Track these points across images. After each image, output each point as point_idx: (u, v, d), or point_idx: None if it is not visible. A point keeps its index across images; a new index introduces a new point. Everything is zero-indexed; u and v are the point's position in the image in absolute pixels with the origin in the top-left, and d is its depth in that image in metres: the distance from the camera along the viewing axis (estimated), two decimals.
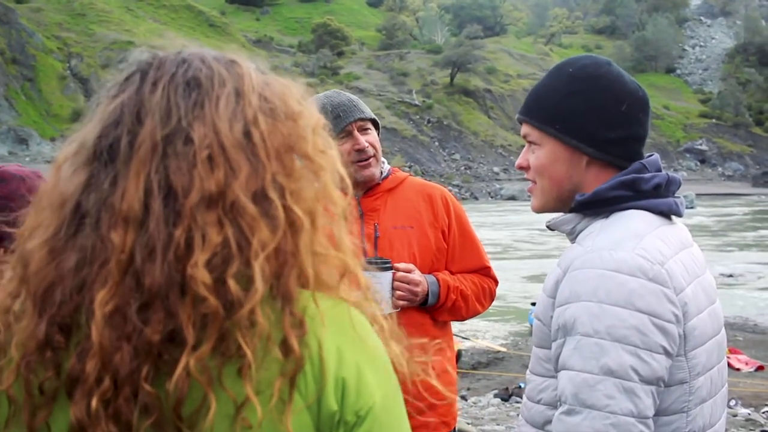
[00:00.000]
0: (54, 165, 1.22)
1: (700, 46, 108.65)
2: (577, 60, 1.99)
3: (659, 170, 1.94)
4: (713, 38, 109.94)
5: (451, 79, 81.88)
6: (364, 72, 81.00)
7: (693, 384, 1.80)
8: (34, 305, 1.12)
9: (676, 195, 1.96)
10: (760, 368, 10.97)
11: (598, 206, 1.89)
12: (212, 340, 1.07)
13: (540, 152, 1.96)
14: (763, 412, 8.49)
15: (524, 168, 2.01)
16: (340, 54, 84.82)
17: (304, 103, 1.24)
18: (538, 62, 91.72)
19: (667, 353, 1.73)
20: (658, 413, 1.77)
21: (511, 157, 68.27)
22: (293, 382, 1.10)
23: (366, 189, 3.04)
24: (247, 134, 1.15)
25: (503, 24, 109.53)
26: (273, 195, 1.13)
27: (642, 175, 1.89)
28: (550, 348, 1.86)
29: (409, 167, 63.69)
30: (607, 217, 1.88)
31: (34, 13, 71.70)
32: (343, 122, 2.94)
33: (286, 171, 1.16)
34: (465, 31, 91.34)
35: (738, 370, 10.70)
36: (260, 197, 1.12)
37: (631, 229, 1.82)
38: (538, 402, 1.92)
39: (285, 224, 1.13)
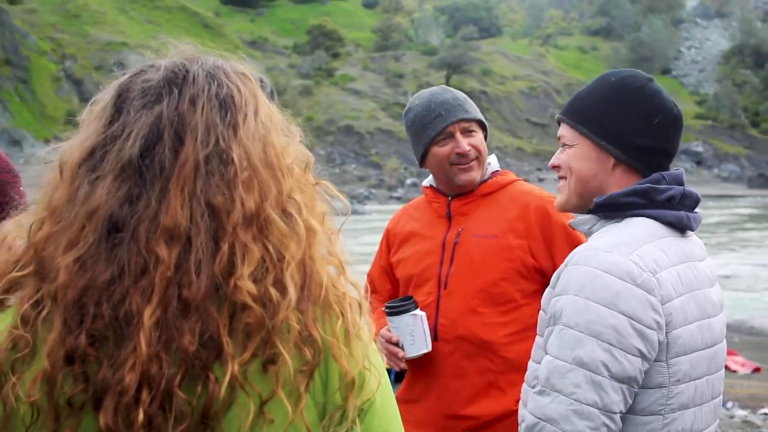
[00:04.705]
0: (61, 169, 1.20)
1: (696, 47, 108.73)
2: (621, 71, 2.12)
3: (681, 184, 2.04)
4: (709, 40, 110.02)
5: (447, 81, 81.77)
6: (360, 73, 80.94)
7: (672, 389, 1.90)
8: (63, 317, 1.12)
9: (695, 210, 2.06)
10: (756, 370, 10.85)
11: (611, 210, 2.01)
12: (254, 346, 1.14)
13: (571, 151, 2.08)
14: (760, 414, 8.38)
15: (556, 167, 2.13)
16: (336, 55, 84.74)
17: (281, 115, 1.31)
18: (534, 64, 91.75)
19: (643, 356, 1.84)
20: (635, 412, 1.89)
21: (507, 159, 68.20)
22: (311, 376, 1.18)
23: (460, 192, 2.86)
24: (266, 152, 1.21)
25: (499, 25, 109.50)
26: (292, 210, 1.21)
27: (657, 186, 2.00)
28: None
29: (405, 169, 63.64)
30: (619, 221, 2.00)
31: (27, 14, 71.51)
32: (444, 122, 2.78)
33: (299, 186, 1.24)
34: (460, 32, 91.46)
35: (734, 372, 10.58)
36: (284, 213, 1.20)
37: (632, 235, 1.93)
38: (533, 387, 1.99)
39: (305, 236, 1.21)
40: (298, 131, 1.32)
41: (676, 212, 2.00)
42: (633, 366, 1.83)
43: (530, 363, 2.08)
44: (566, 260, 1.97)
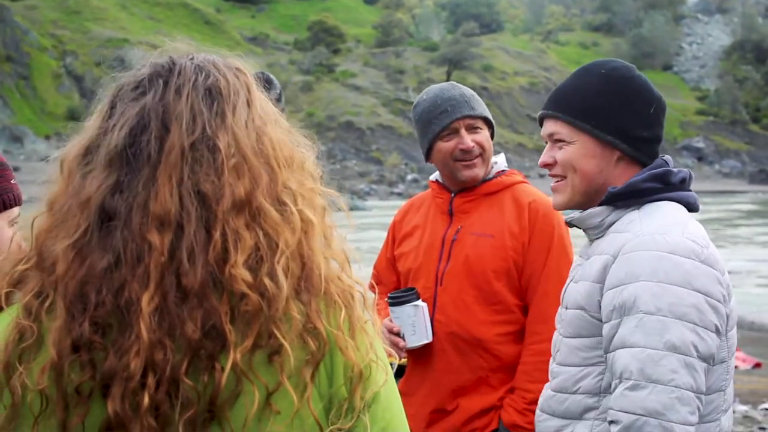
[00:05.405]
0: (61, 165, 1.24)
1: (697, 43, 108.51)
2: (607, 62, 2.09)
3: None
4: (710, 35, 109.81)
5: (448, 77, 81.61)
6: (360, 69, 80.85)
7: (729, 363, 1.91)
8: (66, 306, 1.13)
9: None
10: (757, 365, 10.86)
11: (630, 197, 1.97)
12: (254, 335, 1.14)
13: (571, 148, 2.02)
14: (761, 409, 8.38)
15: (549, 165, 2.07)
16: (336, 51, 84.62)
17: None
18: (535, 60, 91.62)
19: (718, 332, 1.83)
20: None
21: (508, 155, 67.58)
22: (317, 368, 1.19)
23: (463, 188, 2.89)
24: (260, 142, 1.22)
25: (500, 21, 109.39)
26: (287, 200, 1.22)
27: (672, 169, 2.01)
28: (589, 336, 1.93)
29: (405, 165, 63.61)
30: (638, 208, 1.96)
31: (28, 10, 71.50)
32: (449, 118, 2.81)
33: (295, 177, 1.25)
34: (461, 28, 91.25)
35: (735, 367, 10.58)
36: (278, 202, 1.21)
37: (673, 216, 1.92)
38: (574, 392, 1.96)
39: (300, 227, 1.21)
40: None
41: (691, 193, 2.03)
42: (713, 342, 1.81)
43: (561, 368, 2.01)
44: (611, 252, 1.90)
